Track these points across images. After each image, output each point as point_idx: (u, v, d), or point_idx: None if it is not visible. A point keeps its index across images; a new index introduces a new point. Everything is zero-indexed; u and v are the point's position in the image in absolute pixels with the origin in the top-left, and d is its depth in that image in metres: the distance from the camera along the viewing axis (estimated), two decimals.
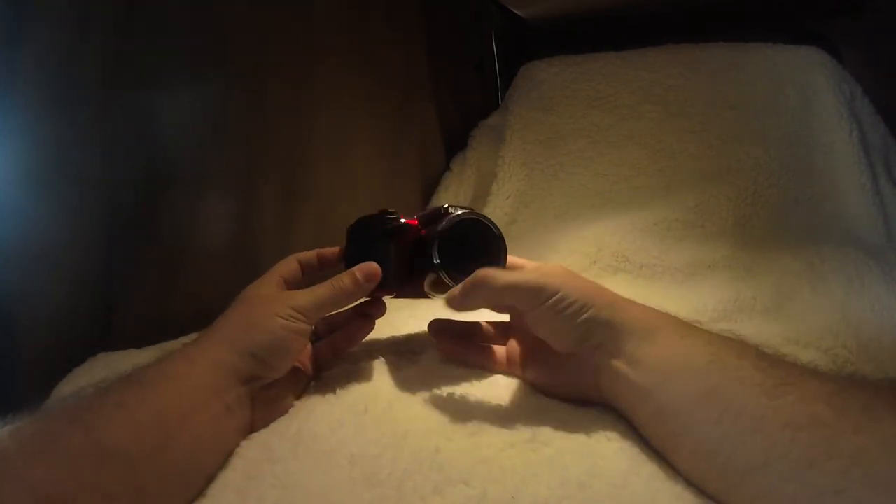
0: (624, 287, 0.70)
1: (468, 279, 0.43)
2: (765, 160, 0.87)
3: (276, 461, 0.38)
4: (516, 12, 1.17)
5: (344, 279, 0.46)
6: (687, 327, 0.40)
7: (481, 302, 0.45)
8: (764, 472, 0.31)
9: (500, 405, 0.45)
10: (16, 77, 0.46)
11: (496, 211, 0.97)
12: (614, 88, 1.00)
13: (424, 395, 0.46)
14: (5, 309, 0.48)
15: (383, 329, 0.56)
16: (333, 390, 0.46)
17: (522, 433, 0.40)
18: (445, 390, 0.47)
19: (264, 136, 0.70)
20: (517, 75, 1.10)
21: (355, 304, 0.51)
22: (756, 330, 0.57)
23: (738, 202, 0.84)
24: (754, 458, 0.32)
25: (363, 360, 0.51)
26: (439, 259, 0.46)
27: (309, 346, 0.50)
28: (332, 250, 0.52)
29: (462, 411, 0.44)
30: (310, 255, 0.51)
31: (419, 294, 0.49)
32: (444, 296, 0.45)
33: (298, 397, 0.47)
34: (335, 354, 0.51)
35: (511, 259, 0.49)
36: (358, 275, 0.46)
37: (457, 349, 0.51)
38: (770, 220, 0.83)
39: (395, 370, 0.50)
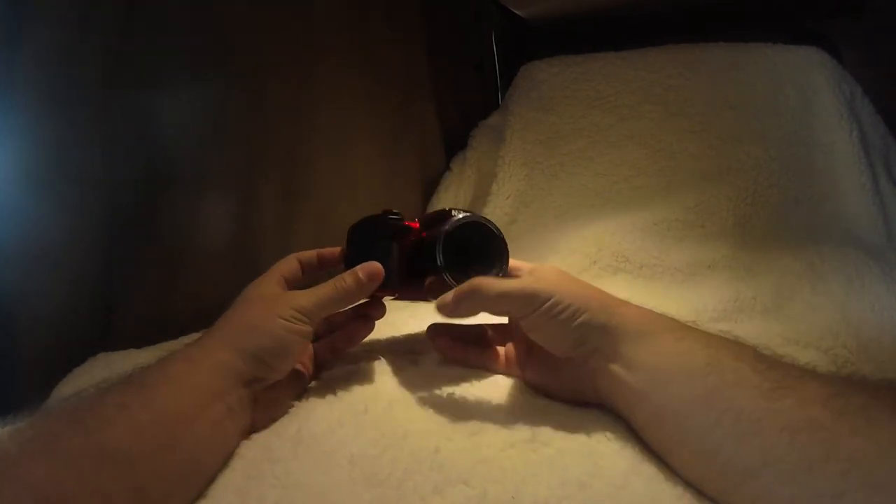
0: (624, 287, 0.71)
1: (460, 287, 0.43)
2: (765, 160, 0.87)
3: (276, 461, 0.38)
4: (516, 12, 1.17)
5: (346, 279, 0.46)
6: (683, 329, 0.40)
7: (474, 310, 0.44)
8: (762, 474, 0.31)
9: (500, 405, 0.45)
10: (16, 77, 0.46)
11: (496, 211, 0.97)
12: (614, 88, 1.00)
13: (424, 395, 0.46)
14: (5, 309, 0.48)
15: (383, 329, 0.56)
16: (333, 390, 0.46)
17: (522, 433, 0.40)
18: (445, 390, 0.47)
19: (264, 136, 0.70)
20: (517, 75, 1.10)
21: (355, 304, 0.51)
22: (756, 330, 0.57)
23: (738, 202, 0.84)
24: (753, 460, 0.32)
25: (363, 360, 0.51)
26: (443, 261, 0.46)
27: (310, 347, 0.50)
28: (333, 250, 0.52)
29: (462, 411, 0.44)
30: (310, 254, 0.51)
31: (419, 296, 0.49)
32: (436, 302, 0.45)
33: (298, 398, 0.46)
34: (334, 354, 0.51)
35: (510, 262, 0.49)
36: (361, 274, 0.46)
37: (456, 350, 0.51)
38: (770, 220, 0.83)
39: (395, 370, 0.50)
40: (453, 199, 1.02)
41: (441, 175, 1.07)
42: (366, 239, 0.50)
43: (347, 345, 0.51)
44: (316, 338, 0.51)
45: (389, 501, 0.34)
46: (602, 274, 0.76)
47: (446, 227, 0.46)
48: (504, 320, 0.52)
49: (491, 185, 1.00)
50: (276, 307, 0.43)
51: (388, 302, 0.52)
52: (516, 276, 0.47)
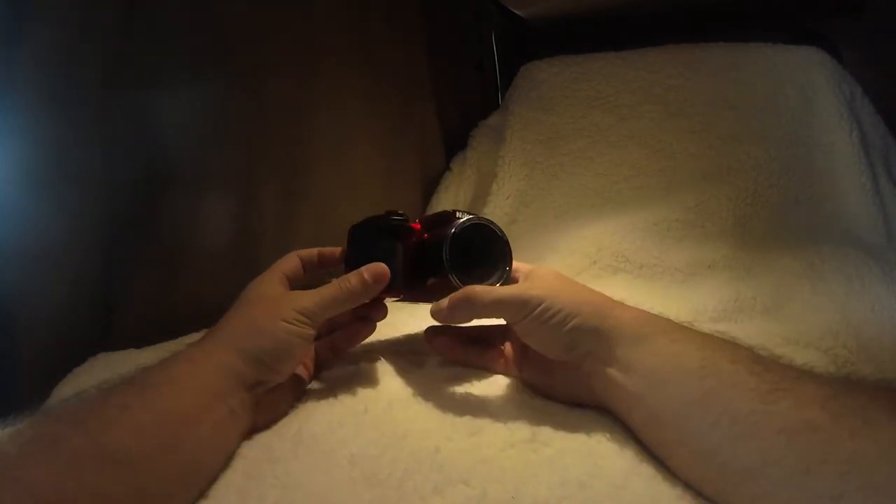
0: (624, 287, 0.71)
1: (454, 294, 0.43)
2: (765, 160, 0.87)
3: (276, 461, 0.38)
4: (516, 12, 1.17)
5: (351, 280, 0.45)
6: (679, 331, 0.40)
7: (468, 317, 0.45)
8: (761, 476, 0.31)
9: (500, 405, 0.45)
10: (16, 77, 0.46)
11: (496, 211, 0.97)
12: (614, 88, 1.00)
13: (424, 395, 0.46)
14: (5, 309, 0.48)
15: (383, 329, 0.55)
16: (333, 391, 0.46)
17: (522, 433, 0.40)
18: (445, 390, 0.47)
19: (264, 136, 0.70)
20: (517, 75, 1.10)
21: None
22: (756, 330, 0.57)
23: (738, 202, 0.84)
24: (751, 461, 0.32)
25: (363, 360, 0.51)
26: (450, 262, 0.46)
27: (311, 348, 0.50)
28: (333, 250, 0.51)
29: (462, 411, 0.44)
30: (311, 252, 0.51)
31: (422, 298, 0.49)
32: (431, 308, 0.45)
33: (299, 398, 0.46)
34: (334, 354, 0.51)
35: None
36: (366, 275, 0.45)
37: (456, 350, 0.51)
38: (770, 220, 0.83)
39: (395, 370, 0.50)
40: (453, 199, 1.02)
41: (441, 175, 1.07)
42: (368, 239, 0.50)
43: (348, 345, 0.51)
44: (317, 336, 0.51)
45: (389, 501, 0.35)
46: (602, 274, 0.76)
47: (453, 228, 0.46)
48: (502, 321, 0.52)
49: (491, 185, 1.00)
50: (278, 308, 0.43)
51: (387, 302, 0.52)
52: (516, 279, 0.47)
